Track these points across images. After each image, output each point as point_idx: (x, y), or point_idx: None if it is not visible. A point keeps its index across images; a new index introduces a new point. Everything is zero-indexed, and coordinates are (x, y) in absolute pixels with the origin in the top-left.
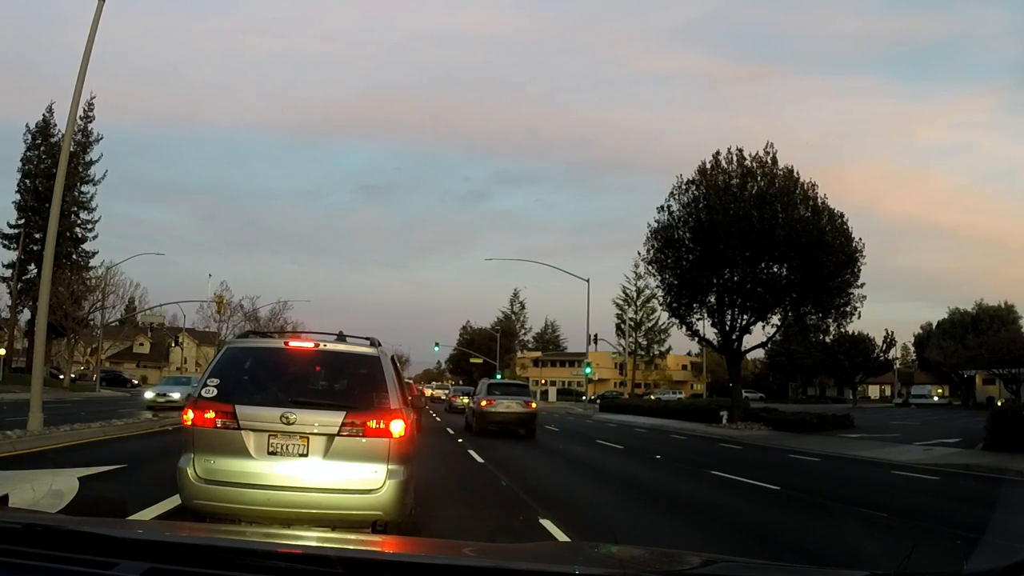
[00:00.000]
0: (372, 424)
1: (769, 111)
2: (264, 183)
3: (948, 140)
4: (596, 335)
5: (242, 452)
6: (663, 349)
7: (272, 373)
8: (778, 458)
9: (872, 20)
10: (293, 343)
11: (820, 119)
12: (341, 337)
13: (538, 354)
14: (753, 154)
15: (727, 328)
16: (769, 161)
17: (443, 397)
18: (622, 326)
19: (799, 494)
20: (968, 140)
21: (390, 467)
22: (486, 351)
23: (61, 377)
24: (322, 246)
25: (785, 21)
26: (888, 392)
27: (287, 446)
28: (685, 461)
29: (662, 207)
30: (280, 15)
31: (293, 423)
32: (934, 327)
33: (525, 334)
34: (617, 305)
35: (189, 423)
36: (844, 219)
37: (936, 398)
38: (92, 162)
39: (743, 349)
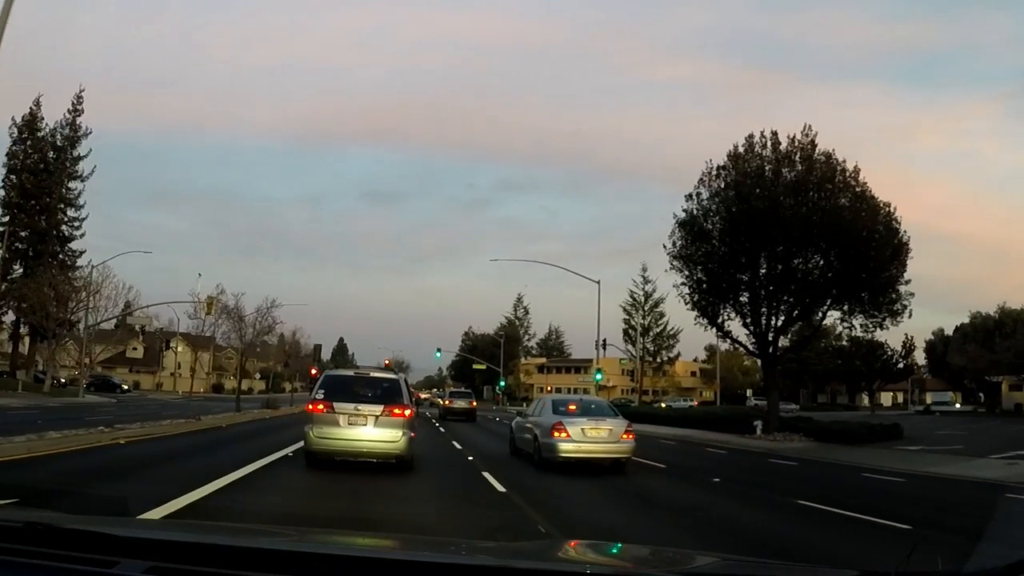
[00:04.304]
0: (396, 411)
1: (773, 119)
2: (269, 189)
3: (953, 146)
4: (605, 340)
5: (336, 424)
6: (672, 355)
7: (349, 386)
8: (855, 479)
9: (876, 28)
10: (358, 372)
11: (824, 126)
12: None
13: (543, 360)
14: (791, 136)
15: (763, 328)
16: (808, 145)
17: (426, 399)
18: (630, 331)
19: (936, 532)
20: (972, 147)
21: (404, 431)
22: (489, 357)
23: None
24: (326, 252)
25: (789, 30)
26: (900, 399)
27: (357, 421)
28: (751, 484)
29: (690, 195)
30: (285, 22)
31: (360, 411)
32: (946, 333)
33: (529, 340)
34: (624, 310)
35: (310, 410)
36: (892, 208)
37: (958, 405)
38: (80, 157)
39: (778, 351)
